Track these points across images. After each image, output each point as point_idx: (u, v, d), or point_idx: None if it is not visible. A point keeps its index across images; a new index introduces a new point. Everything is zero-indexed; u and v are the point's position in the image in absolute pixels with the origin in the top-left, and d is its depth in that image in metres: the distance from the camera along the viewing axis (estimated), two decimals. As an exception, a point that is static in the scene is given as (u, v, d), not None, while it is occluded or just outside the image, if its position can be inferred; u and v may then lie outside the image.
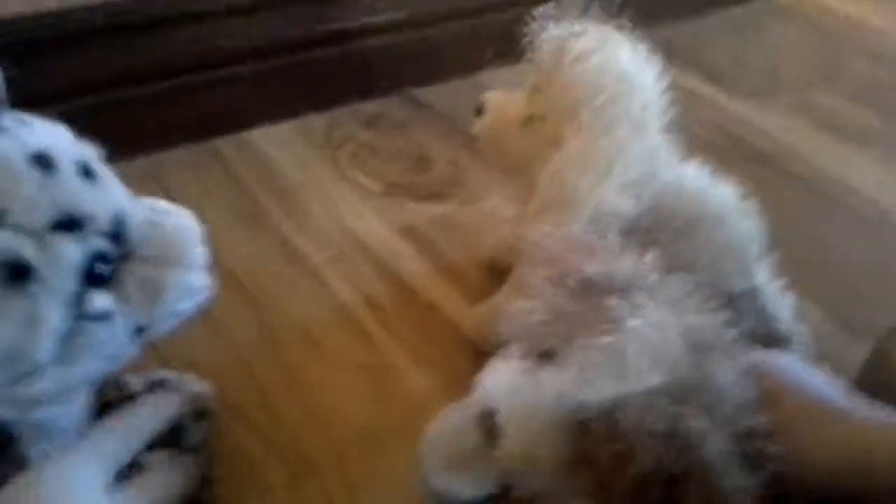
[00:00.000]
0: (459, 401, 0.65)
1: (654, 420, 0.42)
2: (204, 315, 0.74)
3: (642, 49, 0.69)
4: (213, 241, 0.85)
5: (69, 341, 0.38)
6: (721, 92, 1.29)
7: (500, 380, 0.51)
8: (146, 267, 0.42)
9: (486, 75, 1.15)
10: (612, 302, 0.46)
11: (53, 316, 0.36)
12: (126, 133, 0.94)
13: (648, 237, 0.72)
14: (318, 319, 0.78)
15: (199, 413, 0.58)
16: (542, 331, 0.49)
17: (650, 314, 0.45)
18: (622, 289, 0.47)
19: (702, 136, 1.10)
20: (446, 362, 0.75)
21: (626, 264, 0.50)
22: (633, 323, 0.44)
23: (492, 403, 0.50)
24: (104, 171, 0.42)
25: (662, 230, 0.72)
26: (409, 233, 0.92)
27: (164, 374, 0.60)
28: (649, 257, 0.52)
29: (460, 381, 0.73)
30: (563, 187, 0.68)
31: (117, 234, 0.40)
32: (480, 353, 0.75)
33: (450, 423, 0.62)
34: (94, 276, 0.39)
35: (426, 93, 1.18)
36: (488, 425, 0.49)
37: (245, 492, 0.60)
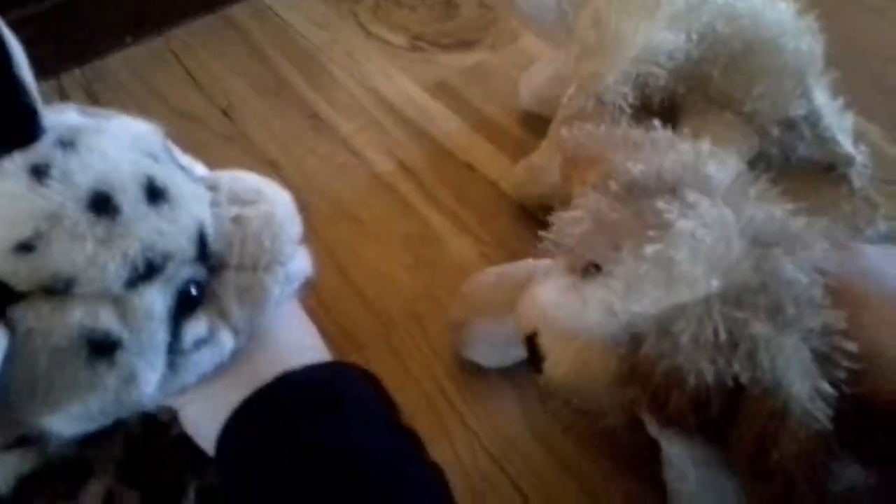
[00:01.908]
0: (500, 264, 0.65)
1: (713, 329, 0.37)
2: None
3: None
4: (242, 120, 0.84)
5: (174, 371, 0.35)
6: None
7: (542, 298, 0.46)
8: (241, 275, 0.36)
9: None
10: (660, 204, 0.40)
11: (150, 372, 0.33)
12: (139, 9, 0.91)
13: (700, 71, 0.67)
14: (355, 193, 0.77)
15: None
16: (584, 242, 0.44)
17: (705, 212, 0.39)
18: (672, 187, 0.42)
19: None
20: (487, 225, 0.73)
21: (676, 157, 0.44)
22: (684, 225, 0.39)
23: (533, 325, 0.45)
24: (170, 179, 0.34)
25: (715, 60, 0.67)
26: (441, 89, 0.87)
27: None
28: (705, 145, 0.46)
29: (502, 243, 0.72)
30: (605, 30, 0.62)
31: (202, 251, 0.35)
32: (521, 212, 0.74)
33: (482, 298, 0.61)
34: (186, 303, 0.35)
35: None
36: (531, 348, 0.46)
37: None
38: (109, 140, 0.33)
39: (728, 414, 0.39)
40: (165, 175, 0.34)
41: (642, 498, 0.54)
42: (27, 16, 0.83)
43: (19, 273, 0.29)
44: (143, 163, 0.33)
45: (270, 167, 0.79)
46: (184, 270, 0.33)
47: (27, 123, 0.32)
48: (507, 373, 0.60)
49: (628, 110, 0.65)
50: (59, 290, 0.30)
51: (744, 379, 0.38)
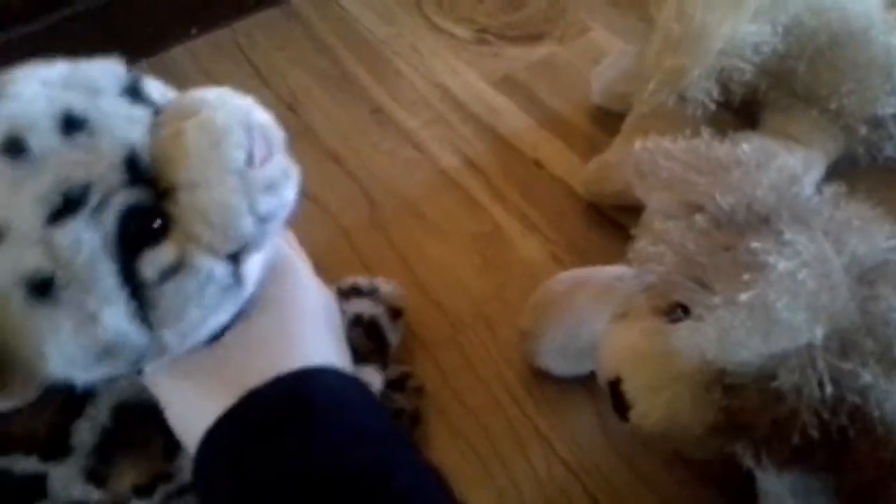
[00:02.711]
0: (569, 268, 0.63)
1: (817, 381, 0.35)
2: (305, 194, 0.75)
3: None
4: (306, 114, 0.84)
5: (154, 306, 0.33)
6: None
7: (625, 344, 0.43)
8: (194, 193, 0.34)
9: None
10: (755, 244, 0.37)
11: (108, 307, 0.32)
12: (204, 1, 0.91)
13: (784, 66, 0.64)
14: (421, 189, 0.75)
15: (395, 312, 0.59)
16: (669, 280, 0.41)
17: (804, 249, 0.36)
18: (765, 217, 0.39)
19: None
20: (556, 225, 0.71)
21: (768, 182, 0.41)
22: (781, 266, 0.36)
23: (616, 372, 0.43)
24: (95, 110, 0.33)
25: (801, 55, 0.64)
26: (508, 83, 0.85)
27: (356, 280, 0.60)
28: (798, 161, 0.43)
29: (572, 244, 0.70)
30: (689, 21, 0.59)
31: (139, 176, 0.33)
32: (591, 211, 0.71)
33: (554, 307, 0.59)
34: (141, 232, 0.33)
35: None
36: (615, 394, 0.43)
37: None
38: (32, 81, 0.33)
39: (834, 462, 0.36)
40: (90, 106, 0.33)
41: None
42: (94, 6, 0.84)
43: None
44: (65, 97, 0.33)
45: (334, 161, 0.78)
46: (118, 198, 0.32)
47: None
48: (581, 380, 0.58)
49: (711, 107, 0.62)
50: None
51: (851, 433, 0.35)
